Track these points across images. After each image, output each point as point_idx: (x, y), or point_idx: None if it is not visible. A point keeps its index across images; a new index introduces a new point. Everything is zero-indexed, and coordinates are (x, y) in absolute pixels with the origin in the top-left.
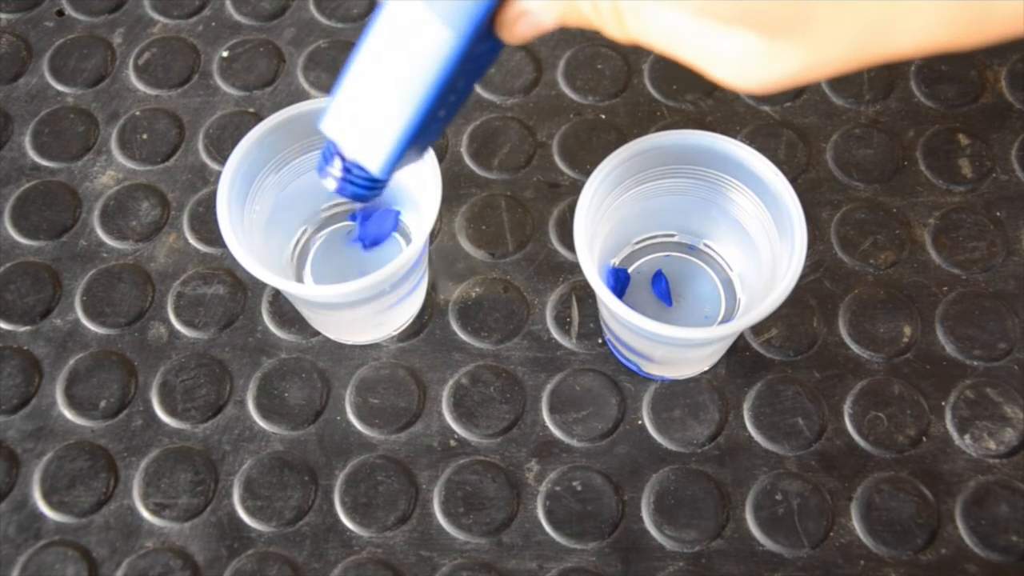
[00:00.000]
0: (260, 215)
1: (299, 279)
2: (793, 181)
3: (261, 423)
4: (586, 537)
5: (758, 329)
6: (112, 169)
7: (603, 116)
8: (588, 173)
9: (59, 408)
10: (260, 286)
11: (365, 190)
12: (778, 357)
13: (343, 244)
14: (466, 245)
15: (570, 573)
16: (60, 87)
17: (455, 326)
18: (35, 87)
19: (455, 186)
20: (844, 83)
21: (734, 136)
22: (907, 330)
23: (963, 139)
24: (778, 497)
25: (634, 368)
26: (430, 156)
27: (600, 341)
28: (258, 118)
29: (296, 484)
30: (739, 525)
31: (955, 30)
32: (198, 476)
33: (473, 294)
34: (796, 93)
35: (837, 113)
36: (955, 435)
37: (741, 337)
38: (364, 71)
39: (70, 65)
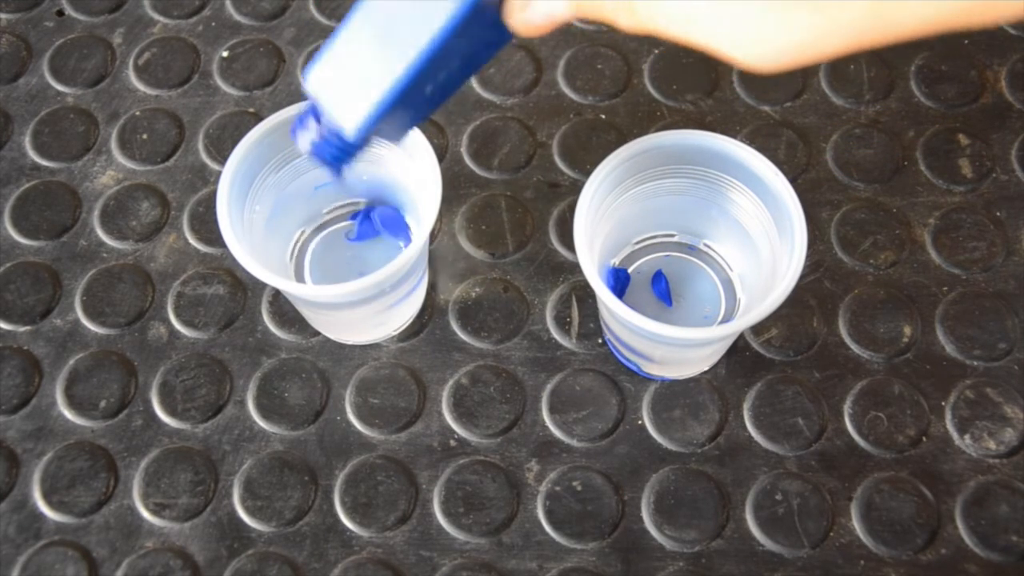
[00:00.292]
0: (260, 215)
1: (299, 279)
2: (793, 181)
3: (261, 423)
4: (586, 537)
5: (758, 329)
6: (112, 169)
7: (603, 116)
8: (588, 173)
9: (59, 408)
10: (260, 286)
11: (336, 153)
12: (778, 357)
13: (343, 244)
14: (466, 245)
15: (570, 573)
16: (60, 87)
17: (455, 326)
18: (35, 87)
19: (455, 186)
20: (844, 83)
21: (734, 136)
22: (907, 330)
23: (963, 139)
24: (778, 497)
25: (634, 368)
26: (430, 156)
27: (600, 341)
28: (258, 118)
29: (296, 484)
30: (739, 525)
31: (964, 5)
32: (198, 476)
33: (473, 294)
34: (796, 93)
35: (837, 113)
36: (955, 435)
37: (741, 337)
38: (355, 29)
39: (70, 65)
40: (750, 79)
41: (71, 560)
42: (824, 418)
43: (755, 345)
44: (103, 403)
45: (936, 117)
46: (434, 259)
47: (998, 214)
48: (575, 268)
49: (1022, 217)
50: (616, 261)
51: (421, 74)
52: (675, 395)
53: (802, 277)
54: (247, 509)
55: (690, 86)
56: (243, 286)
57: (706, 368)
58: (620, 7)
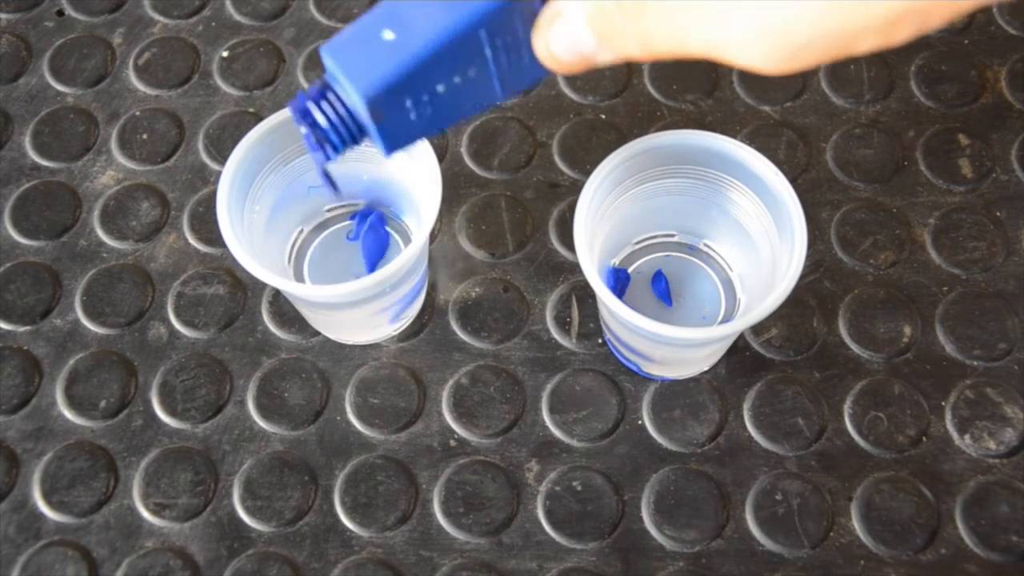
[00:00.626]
0: (260, 215)
1: (299, 279)
2: (793, 181)
3: (261, 423)
4: (586, 537)
5: (758, 329)
6: (112, 169)
7: (603, 116)
8: (588, 173)
9: (59, 408)
10: (260, 286)
11: (337, 131)
12: (778, 357)
13: (343, 244)
14: (466, 245)
15: (570, 573)
16: (60, 87)
17: (455, 326)
18: (35, 87)
19: (455, 186)
20: (844, 83)
21: (734, 136)
22: (907, 330)
23: (963, 139)
24: (778, 497)
25: (634, 368)
26: (430, 156)
27: (600, 341)
28: (258, 118)
29: (296, 484)
30: (739, 525)
31: None
32: (198, 476)
33: (473, 294)
34: (796, 93)
35: (837, 113)
36: (955, 435)
37: (741, 337)
38: (378, 13)
39: (70, 65)
40: (750, 79)
41: (71, 560)
42: (824, 418)
43: (755, 345)
44: (103, 403)
45: (936, 117)
46: (434, 259)
47: (998, 214)
48: (575, 268)
49: (1022, 217)
50: (616, 261)
51: (436, 60)
52: (675, 395)
53: (802, 277)
54: (247, 509)
55: (690, 86)
56: (243, 286)
57: (706, 368)
58: (631, 46)
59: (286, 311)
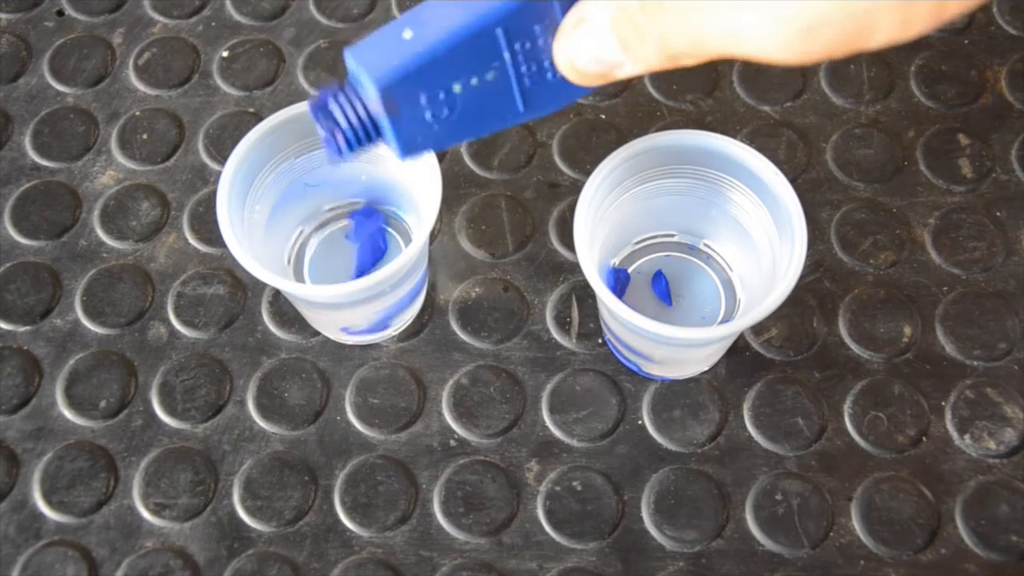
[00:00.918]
0: (260, 215)
1: (299, 279)
2: (793, 181)
3: (261, 423)
4: (586, 537)
5: (758, 329)
6: (112, 169)
7: (603, 116)
8: (588, 173)
9: (59, 408)
10: (260, 286)
11: (353, 127)
12: (778, 357)
13: (342, 244)
14: (466, 245)
15: (570, 573)
16: (60, 87)
17: (455, 326)
18: (35, 87)
19: (455, 186)
20: (844, 83)
21: (734, 136)
22: (907, 330)
23: (963, 139)
24: (778, 497)
25: (634, 368)
26: (430, 156)
27: (600, 341)
28: (258, 118)
29: (296, 484)
30: (739, 525)
31: None
32: (198, 476)
33: (473, 294)
34: (796, 93)
35: (837, 113)
36: (955, 435)
37: (741, 337)
38: (402, 19)
39: (70, 65)
40: (750, 79)
41: (71, 560)
42: (824, 418)
43: (755, 345)
44: (103, 403)
45: (936, 117)
46: (434, 259)
47: (998, 214)
48: (575, 268)
49: (1022, 217)
50: (616, 261)
51: (451, 54)
52: (675, 395)
53: (802, 277)
54: (247, 509)
55: (690, 86)
56: (243, 286)
57: (706, 368)
58: (650, 56)
59: (286, 311)
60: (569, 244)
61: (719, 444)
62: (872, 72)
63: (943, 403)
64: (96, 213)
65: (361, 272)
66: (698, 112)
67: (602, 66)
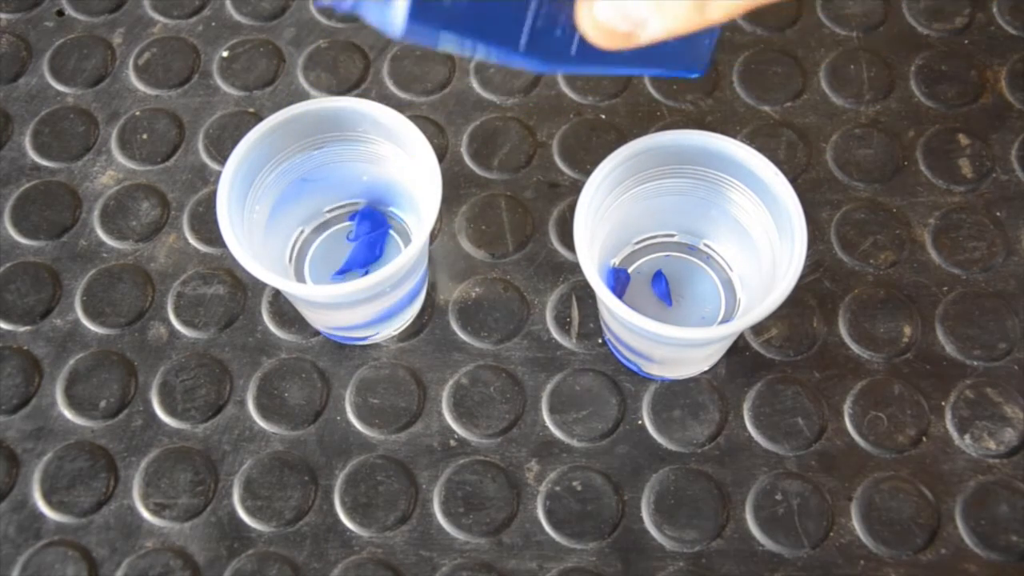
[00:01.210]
0: (260, 215)
1: (299, 279)
2: (793, 181)
3: (261, 423)
4: (586, 537)
5: (758, 329)
6: (112, 169)
7: (603, 116)
8: (588, 173)
9: (59, 408)
10: (260, 286)
11: None
12: (778, 357)
13: (343, 244)
14: (466, 245)
15: (570, 573)
16: (60, 87)
17: (455, 326)
18: (35, 87)
19: (455, 186)
20: (844, 83)
21: (734, 136)
22: (907, 330)
23: (963, 139)
24: (778, 497)
25: (634, 368)
26: (430, 156)
27: (600, 341)
28: (258, 118)
29: (296, 484)
30: (739, 525)
31: None
32: (198, 476)
33: (473, 294)
34: (796, 93)
35: (837, 113)
36: (955, 435)
37: (741, 337)
38: None
39: (70, 65)
40: (750, 79)
41: (71, 560)
42: (824, 418)
43: (755, 345)
44: (103, 403)
45: (936, 117)
46: (434, 259)
47: (998, 214)
48: (575, 268)
49: (1022, 217)
50: (616, 261)
51: None
52: (675, 395)
53: (802, 277)
54: (247, 509)
55: (690, 86)
56: (243, 286)
57: (706, 368)
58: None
59: (286, 311)
60: (569, 244)
61: (719, 444)
62: (872, 72)
63: (943, 403)
64: (96, 213)
65: (347, 269)
66: (698, 112)
67: (627, 23)
